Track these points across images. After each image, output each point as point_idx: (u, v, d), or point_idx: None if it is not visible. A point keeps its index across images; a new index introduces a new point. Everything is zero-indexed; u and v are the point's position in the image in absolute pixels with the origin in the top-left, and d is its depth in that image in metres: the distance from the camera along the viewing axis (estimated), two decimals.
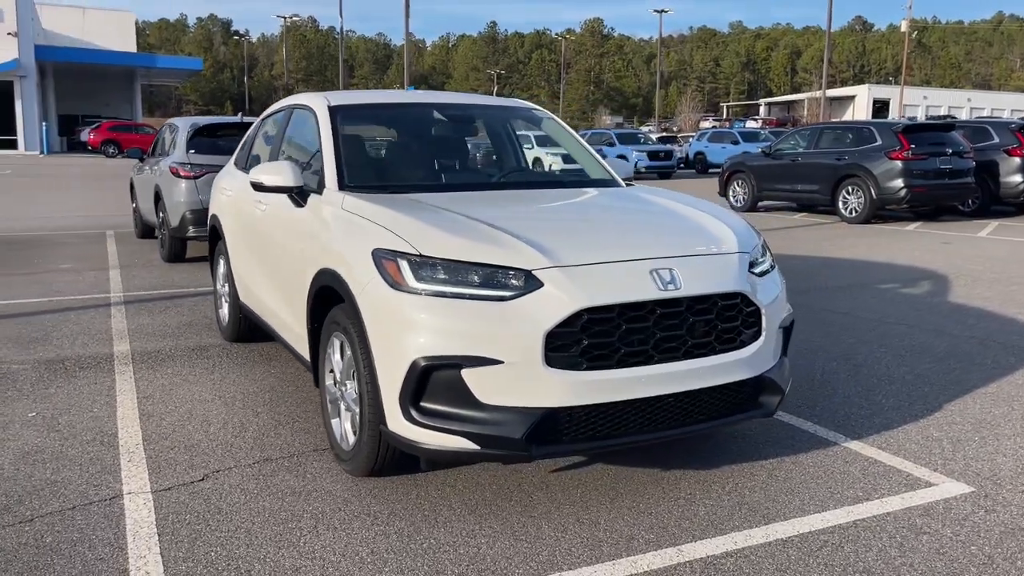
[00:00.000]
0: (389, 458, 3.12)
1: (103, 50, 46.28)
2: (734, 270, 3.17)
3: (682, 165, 31.09)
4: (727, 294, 3.10)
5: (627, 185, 4.38)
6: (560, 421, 2.84)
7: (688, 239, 3.30)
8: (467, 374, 2.78)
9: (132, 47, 51.07)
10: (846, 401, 4.33)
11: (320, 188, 3.77)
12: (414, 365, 2.81)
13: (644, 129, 47.94)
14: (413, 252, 2.94)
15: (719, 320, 3.08)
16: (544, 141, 18.37)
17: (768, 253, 3.57)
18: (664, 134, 42.54)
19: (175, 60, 57.00)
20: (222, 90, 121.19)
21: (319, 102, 4.24)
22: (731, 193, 15.72)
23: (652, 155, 27.90)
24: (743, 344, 3.16)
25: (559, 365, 2.80)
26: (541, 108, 4.90)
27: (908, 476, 3.41)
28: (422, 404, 2.85)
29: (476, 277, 2.87)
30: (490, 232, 3.04)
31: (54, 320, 6.08)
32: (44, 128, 39.24)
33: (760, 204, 15.48)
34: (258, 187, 3.87)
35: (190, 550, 2.75)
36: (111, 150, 37.95)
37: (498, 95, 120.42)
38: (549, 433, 2.84)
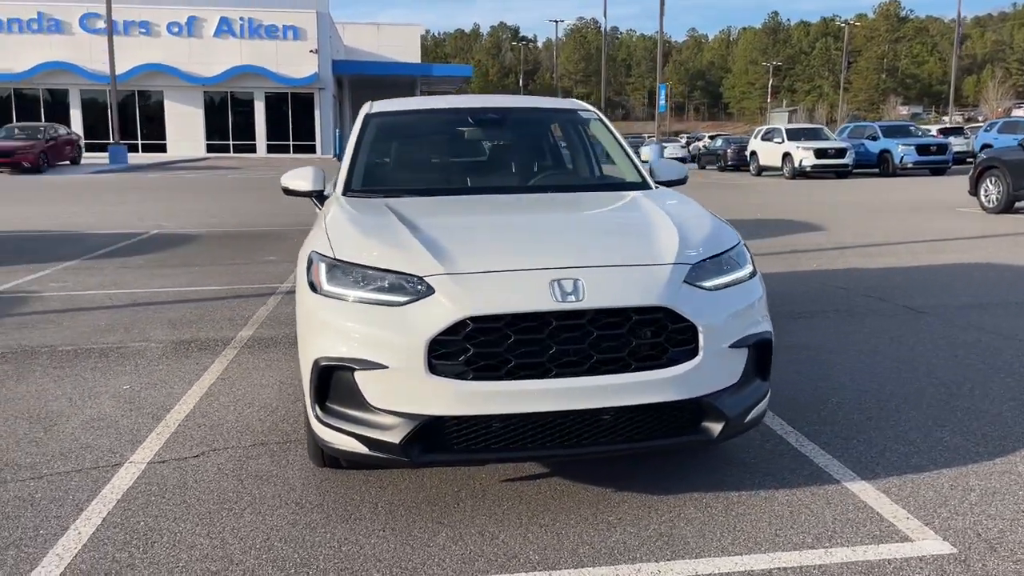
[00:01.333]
0: (328, 454, 3.24)
1: (389, 61, 50.90)
2: (659, 283, 2.92)
3: (970, 160, 26.90)
4: (645, 308, 2.86)
5: (656, 188, 4.16)
6: (447, 430, 2.81)
7: (616, 249, 3.12)
8: (359, 377, 2.84)
9: (416, 58, 55.62)
10: (876, 433, 3.77)
11: (332, 191, 4.01)
12: (315, 365, 2.93)
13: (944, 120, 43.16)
14: (330, 256, 3.06)
15: (633, 336, 2.85)
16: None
17: (744, 266, 3.24)
18: (948, 125, 38.28)
19: (448, 68, 62.14)
20: (506, 93, 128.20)
21: (364, 109, 4.48)
22: (983, 192, 13.88)
23: (922, 149, 25.30)
24: (673, 362, 2.90)
25: (444, 373, 2.77)
26: (590, 108, 4.76)
27: (890, 526, 2.93)
28: (327, 404, 2.96)
29: (378, 283, 2.92)
30: (407, 239, 3.08)
31: (216, 306, 6.90)
32: (336, 134, 43.99)
33: (1017, 204, 13.51)
34: (284, 191, 4.18)
35: (129, 518, 3.08)
36: None
37: (773, 88, 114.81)
38: (436, 441, 2.82)
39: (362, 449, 2.86)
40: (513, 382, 2.77)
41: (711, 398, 2.96)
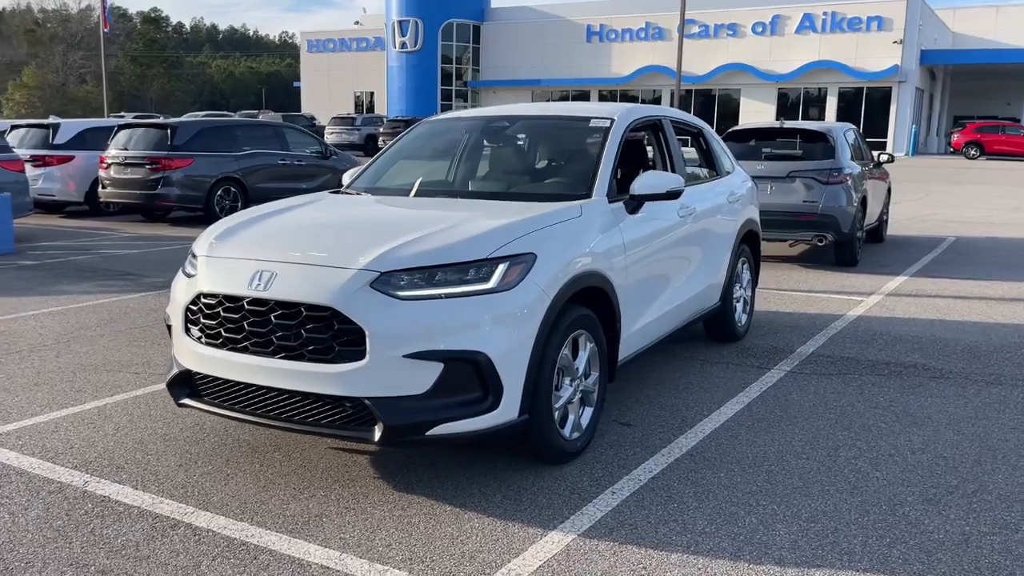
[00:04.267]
0: None
1: (1005, 48, 44.74)
2: (335, 285, 3.30)
3: None
4: (315, 305, 3.30)
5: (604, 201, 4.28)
6: (195, 381, 3.70)
7: (334, 250, 3.51)
8: (172, 330, 3.89)
9: None
10: None
11: None
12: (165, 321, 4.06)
13: None
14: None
15: (303, 329, 3.32)
16: None
17: (487, 280, 3.37)
18: None
19: None
20: None
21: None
22: None
23: None
24: (340, 360, 3.28)
25: (191, 335, 3.66)
26: (608, 118, 4.73)
27: None
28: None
29: (187, 259, 3.90)
30: (236, 227, 3.94)
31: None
32: (912, 130, 40.78)
33: None
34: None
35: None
36: (972, 152, 37.15)
37: None
38: (191, 389, 3.72)
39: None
40: (224, 351, 3.53)
41: (376, 402, 3.25)
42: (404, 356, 3.24)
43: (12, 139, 15.85)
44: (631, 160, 5.33)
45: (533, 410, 3.55)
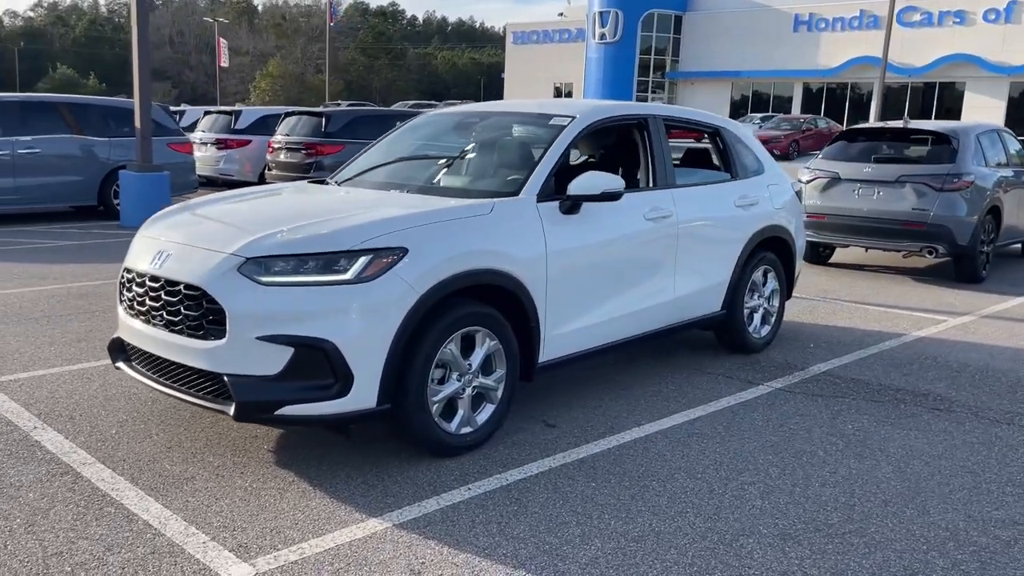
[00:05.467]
0: None
1: None
2: (209, 267, 3.58)
3: None
4: (190, 284, 3.61)
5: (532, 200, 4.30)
6: (125, 347, 4.12)
7: (217, 234, 3.80)
8: None
9: None
10: None
11: None
12: None
13: None
14: None
15: (182, 306, 3.64)
16: None
17: (345, 272, 3.52)
18: None
19: None
20: None
21: None
22: None
23: None
24: (208, 337, 3.58)
25: (122, 304, 4.10)
26: (569, 116, 4.71)
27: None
28: None
29: None
30: (174, 210, 4.35)
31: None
32: None
33: None
34: None
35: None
36: None
37: None
38: (125, 354, 4.14)
39: None
40: (136, 322, 3.93)
41: (232, 379, 3.51)
42: (258, 338, 3.47)
43: (205, 124, 17.85)
44: (613, 159, 5.23)
45: (400, 401, 3.67)
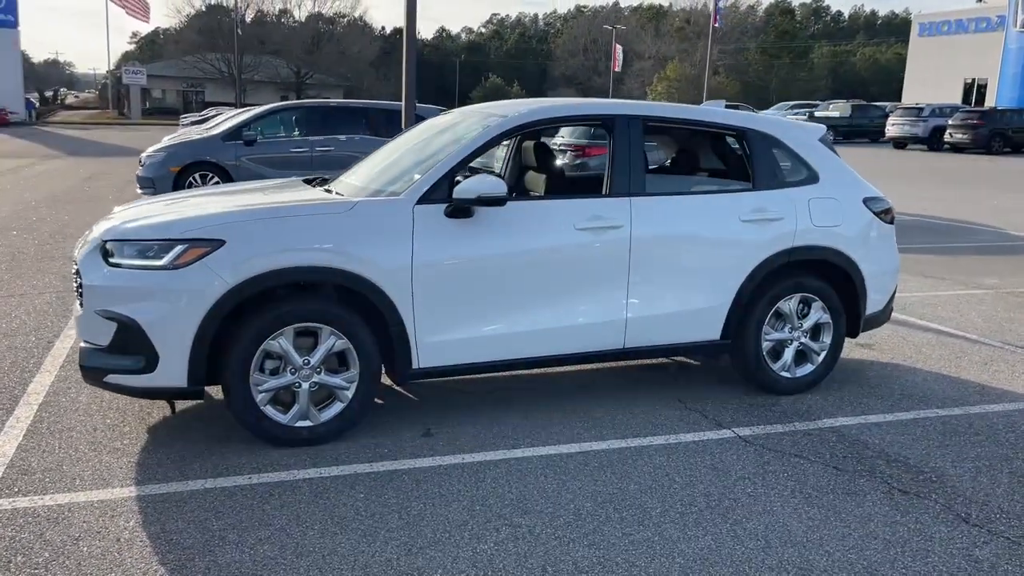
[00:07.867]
0: None
1: None
2: (86, 250, 4.11)
3: None
4: (76, 264, 4.17)
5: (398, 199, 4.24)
6: None
7: (109, 221, 4.27)
8: None
9: None
10: None
11: None
12: None
13: None
14: None
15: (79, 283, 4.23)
16: None
17: (154, 259, 3.86)
18: None
19: None
20: None
21: None
22: None
23: None
24: (81, 306, 4.13)
25: None
26: (502, 116, 4.53)
27: None
28: None
29: None
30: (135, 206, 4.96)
31: None
32: None
33: None
34: None
35: None
36: None
37: None
38: None
39: None
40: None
41: (84, 346, 4.04)
42: (96, 312, 3.95)
43: (565, 131, 18.84)
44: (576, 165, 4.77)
45: (224, 385, 3.91)
